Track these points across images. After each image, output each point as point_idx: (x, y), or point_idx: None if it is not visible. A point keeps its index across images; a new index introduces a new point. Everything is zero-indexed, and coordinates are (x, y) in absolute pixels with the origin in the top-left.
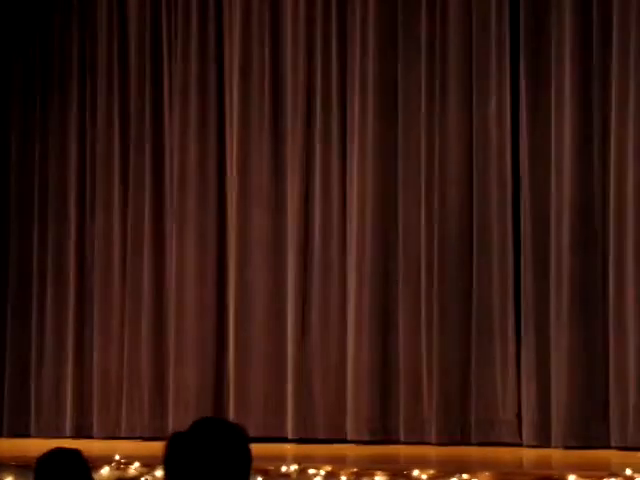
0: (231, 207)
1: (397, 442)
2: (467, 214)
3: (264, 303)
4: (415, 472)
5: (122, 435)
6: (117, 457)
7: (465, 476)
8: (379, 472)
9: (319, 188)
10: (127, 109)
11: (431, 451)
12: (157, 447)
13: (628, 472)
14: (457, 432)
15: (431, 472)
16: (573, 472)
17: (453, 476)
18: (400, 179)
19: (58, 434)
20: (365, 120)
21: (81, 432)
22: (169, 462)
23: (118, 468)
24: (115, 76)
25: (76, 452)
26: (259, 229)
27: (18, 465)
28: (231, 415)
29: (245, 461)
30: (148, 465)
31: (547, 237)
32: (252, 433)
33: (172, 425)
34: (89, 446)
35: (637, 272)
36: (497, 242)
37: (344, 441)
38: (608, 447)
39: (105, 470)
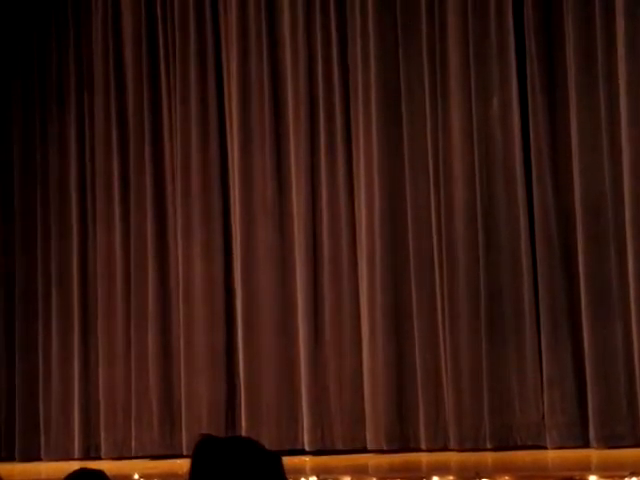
0: (235, 220)
1: (417, 450)
2: (478, 212)
3: (273, 316)
4: (434, 479)
5: (132, 454)
6: (136, 476)
7: None
8: None
9: (326, 195)
10: (125, 123)
11: (452, 457)
12: (173, 465)
13: None
14: (477, 437)
15: (450, 478)
16: (594, 472)
17: None
18: (407, 183)
19: (67, 456)
20: (369, 125)
21: (89, 453)
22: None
23: None
24: (112, 91)
25: (100, 473)
26: (265, 241)
27: None
28: (243, 429)
29: None
30: None
31: (563, 233)
32: (266, 446)
33: (185, 441)
34: (102, 466)
35: None
36: (509, 240)
37: (364, 451)
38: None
39: None
